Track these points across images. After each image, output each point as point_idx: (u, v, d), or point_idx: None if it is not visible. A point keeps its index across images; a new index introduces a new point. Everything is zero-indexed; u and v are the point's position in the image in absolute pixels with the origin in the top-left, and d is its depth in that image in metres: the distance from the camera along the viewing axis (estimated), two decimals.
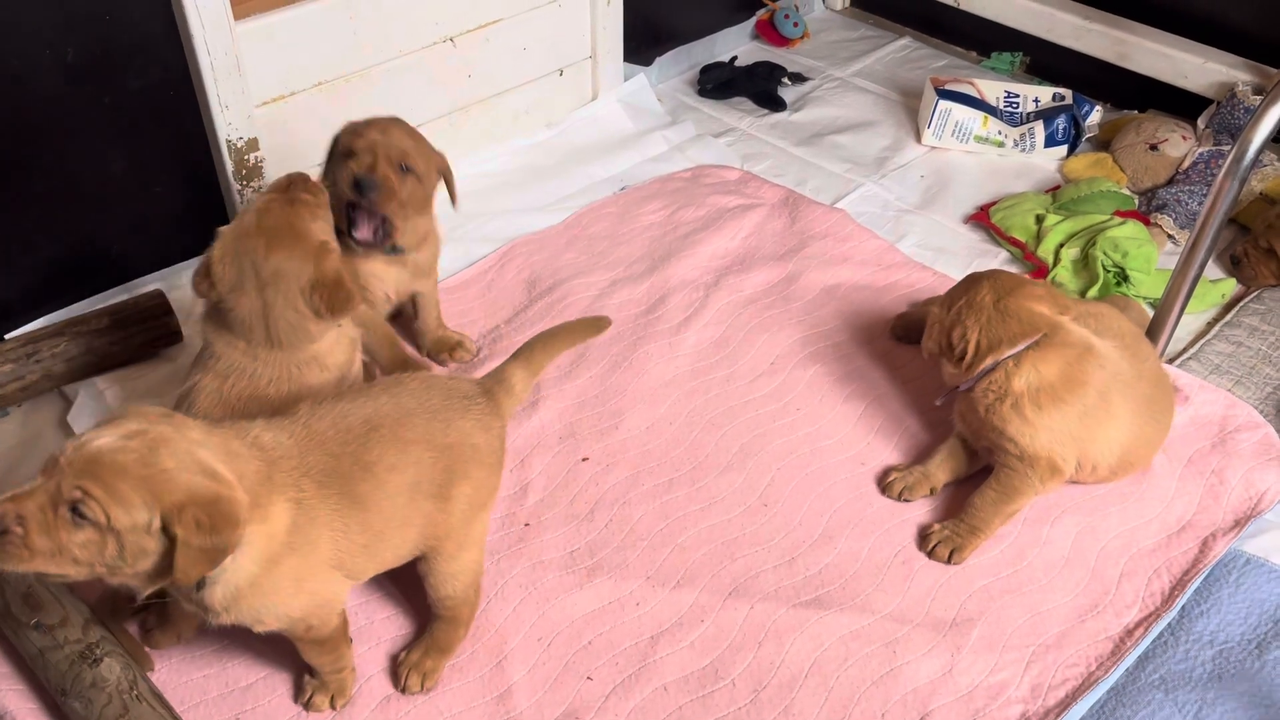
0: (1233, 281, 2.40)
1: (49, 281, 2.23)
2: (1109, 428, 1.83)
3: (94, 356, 2.13)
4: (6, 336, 2.14)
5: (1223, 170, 1.91)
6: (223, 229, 1.69)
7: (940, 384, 2.00)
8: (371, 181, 1.88)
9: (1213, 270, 2.48)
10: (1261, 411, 2.09)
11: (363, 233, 1.94)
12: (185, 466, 1.29)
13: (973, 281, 1.91)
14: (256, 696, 1.66)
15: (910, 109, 3.07)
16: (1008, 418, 1.82)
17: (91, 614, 1.64)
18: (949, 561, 1.83)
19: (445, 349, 2.22)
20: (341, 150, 1.94)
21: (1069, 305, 1.88)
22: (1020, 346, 1.82)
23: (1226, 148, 2.63)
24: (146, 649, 1.68)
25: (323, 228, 1.73)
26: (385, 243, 1.98)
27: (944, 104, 2.86)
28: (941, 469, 1.94)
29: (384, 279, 2.05)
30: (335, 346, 1.76)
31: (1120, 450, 1.86)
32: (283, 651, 1.66)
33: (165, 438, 1.29)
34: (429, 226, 2.08)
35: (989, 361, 1.83)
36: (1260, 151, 1.88)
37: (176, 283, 2.34)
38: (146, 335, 2.17)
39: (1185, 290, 2.05)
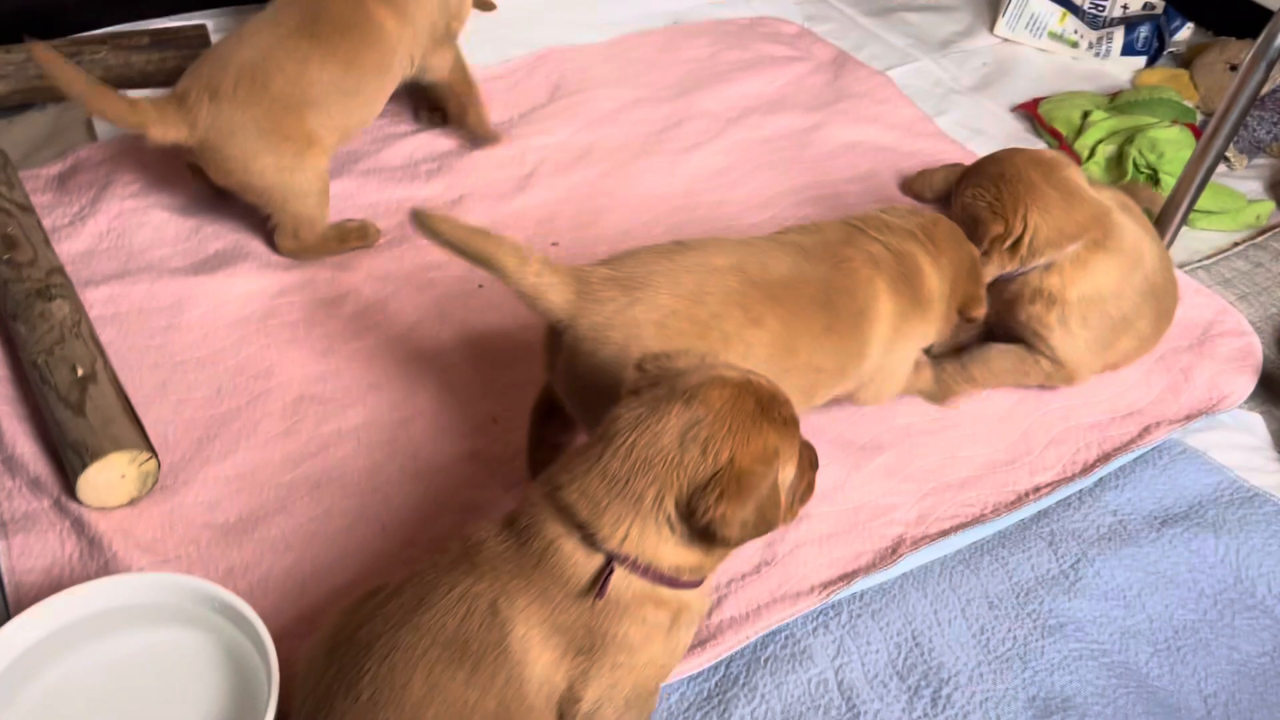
0: (1271, 205, 2.26)
1: None
2: (1130, 337, 1.78)
3: (130, 71, 2.25)
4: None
5: (1251, 52, 1.80)
6: None
7: None
8: None
9: (1258, 192, 2.34)
10: (1258, 329, 1.99)
11: None
12: None
13: (1000, 158, 1.75)
14: None
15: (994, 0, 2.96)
16: (1052, 326, 1.72)
17: (60, 266, 1.77)
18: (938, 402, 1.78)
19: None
20: None
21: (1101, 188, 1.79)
22: (1080, 242, 1.69)
23: None
24: None
25: None
26: None
27: None
28: None
29: None
30: None
31: (1124, 354, 1.82)
32: None
33: None
34: None
35: (1048, 258, 1.70)
36: None
37: (223, 26, 2.44)
38: (181, 61, 2.27)
39: (1199, 178, 1.94)
